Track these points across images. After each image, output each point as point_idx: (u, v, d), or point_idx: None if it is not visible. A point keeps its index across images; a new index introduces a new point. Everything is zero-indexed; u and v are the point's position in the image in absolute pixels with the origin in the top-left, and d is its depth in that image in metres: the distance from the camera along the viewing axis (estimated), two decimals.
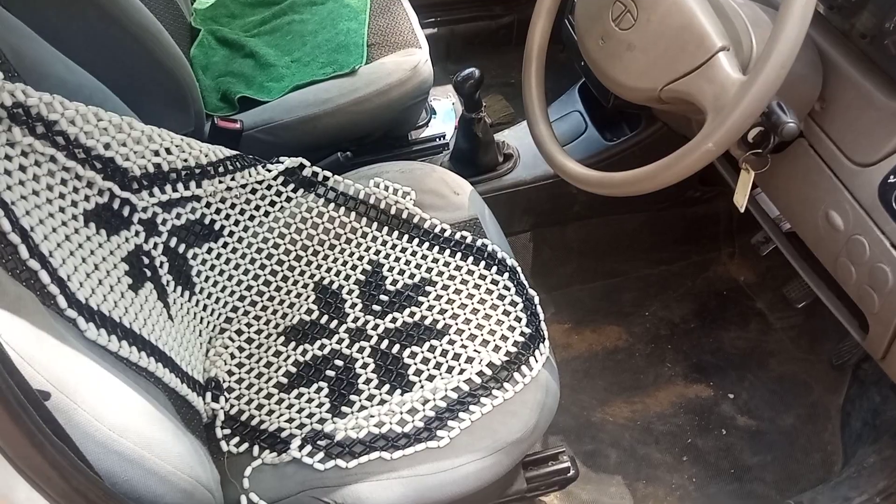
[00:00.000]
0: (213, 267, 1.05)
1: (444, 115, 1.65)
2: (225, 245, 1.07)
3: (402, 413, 0.90)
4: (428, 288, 1.05)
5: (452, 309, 1.02)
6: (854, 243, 0.81)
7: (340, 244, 1.11)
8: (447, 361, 0.96)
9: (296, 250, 1.10)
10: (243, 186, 1.09)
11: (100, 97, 0.91)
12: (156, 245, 0.95)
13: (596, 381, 1.35)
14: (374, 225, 1.12)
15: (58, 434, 0.54)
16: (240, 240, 1.09)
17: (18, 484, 0.49)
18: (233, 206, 1.08)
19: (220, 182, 1.04)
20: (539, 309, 1.02)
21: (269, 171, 1.10)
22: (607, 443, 1.28)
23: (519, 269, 1.06)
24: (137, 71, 1.13)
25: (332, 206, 1.13)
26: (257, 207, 1.11)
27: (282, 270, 1.09)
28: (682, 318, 1.44)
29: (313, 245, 1.11)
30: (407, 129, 1.44)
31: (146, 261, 0.91)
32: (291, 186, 1.13)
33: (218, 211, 1.06)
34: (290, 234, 1.10)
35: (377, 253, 1.10)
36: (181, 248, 1.01)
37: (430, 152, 1.46)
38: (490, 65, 1.89)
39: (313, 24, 1.43)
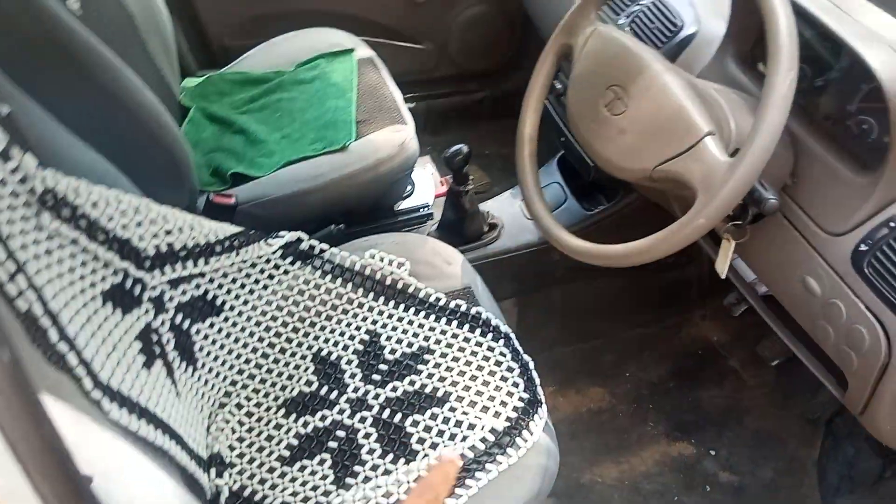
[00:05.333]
0: (214, 342, 1.07)
1: (423, 185, 1.70)
2: (226, 319, 1.09)
3: (408, 482, 0.92)
4: (426, 356, 1.08)
5: (452, 376, 1.05)
6: (831, 307, 0.88)
7: (337, 315, 1.13)
8: (450, 429, 0.99)
9: (293, 322, 1.12)
10: (245, 261, 1.11)
11: (112, 177, 0.94)
12: (163, 322, 0.96)
13: (583, 443, 1.39)
14: (371, 295, 1.15)
15: None
16: (240, 314, 1.11)
17: None
18: (234, 280, 1.11)
19: (227, 258, 1.06)
20: (535, 374, 1.06)
21: (270, 245, 1.13)
22: None
23: (513, 335, 1.10)
24: (135, 148, 1.16)
25: (328, 277, 1.16)
26: (257, 281, 1.13)
27: (280, 342, 1.11)
28: (659, 378, 1.50)
29: (310, 317, 1.13)
30: (394, 200, 1.49)
31: (155, 338, 0.92)
32: (289, 259, 1.16)
33: (220, 286, 1.08)
34: (287, 305, 1.13)
35: (374, 323, 1.13)
36: (185, 325, 1.02)
37: (415, 222, 1.51)
38: (465, 136, 1.96)
39: (301, 101, 1.48)
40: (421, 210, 1.52)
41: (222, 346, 1.08)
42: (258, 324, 1.11)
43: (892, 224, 0.83)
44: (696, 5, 1.15)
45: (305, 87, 1.52)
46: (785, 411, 1.41)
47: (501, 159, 1.95)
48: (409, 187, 1.57)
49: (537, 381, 1.05)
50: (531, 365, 1.07)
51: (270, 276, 1.15)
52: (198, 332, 1.05)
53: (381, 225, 1.48)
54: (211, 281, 1.07)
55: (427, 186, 1.69)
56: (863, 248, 0.85)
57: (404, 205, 1.55)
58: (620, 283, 1.54)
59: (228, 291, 1.10)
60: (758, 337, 1.39)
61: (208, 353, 1.06)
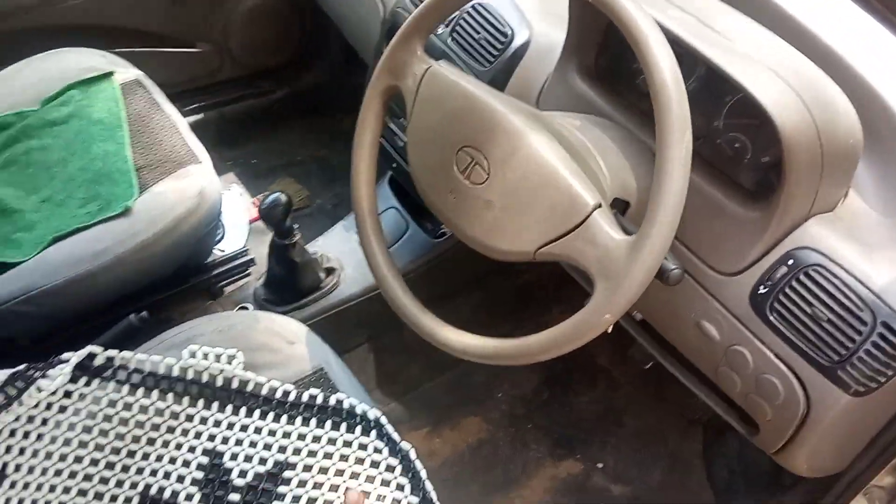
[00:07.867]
0: None
1: (233, 219, 1.45)
2: (13, 485, 0.84)
3: None
4: (287, 473, 0.88)
5: (323, 494, 0.87)
6: (734, 354, 0.80)
7: (162, 436, 0.90)
8: None
9: (104, 457, 0.88)
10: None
11: None
12: None
13: (469, 487, 1.27)
14: (201, 404, 0.92)
15: None
16: (31, 470, 0.85)
17: None
18: (12, 433, 0.84)
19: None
20: (418, 464, 0.91)
21: (52, 378, 0.87)
22: None
23: (383, 419, 0.93)
24: None
25: (140, 391, 0.91)
26: (44, 422, 0.87)
27: (92, 487, 0.86)
28: (533, 390, 1.41)
29: (127, 446, 0.89)
30: (204, 258, 1.23)
31: None
32: (83, 380, 0.90)
33: None
34: (92, 440, 0.88)
35: (212, 439, 0.91)
36: None
37: (236, 273, 1.27)
38: (271, 144, 1.73)
39: (58, 150, 1.16)
40: (240, 257, 1.28)
41: None
42: (58, 472, 0.86)
43: (790, 262, 0.75)
44: (523, 9, 1.00)
45: (60, 129, 1.19)
46: (661, 404, 1.38)
47: (317, 163, 1.73)
48: (221, 231, 1.32)
49: (424, 474, 0.90)
50: (412, 454, 0.91)
51: (62, 409, 0.89)
52: None
53: (191, 284, 1.22)
54: None
55: (238, 220, 1.44)
56: (762, 290, 0.76)
57: (218, 253, 1.30)
58: (477, 297, 1.42)
59: (8, 449, 0.84)
60: (625, 334, 1.33)
61: None
